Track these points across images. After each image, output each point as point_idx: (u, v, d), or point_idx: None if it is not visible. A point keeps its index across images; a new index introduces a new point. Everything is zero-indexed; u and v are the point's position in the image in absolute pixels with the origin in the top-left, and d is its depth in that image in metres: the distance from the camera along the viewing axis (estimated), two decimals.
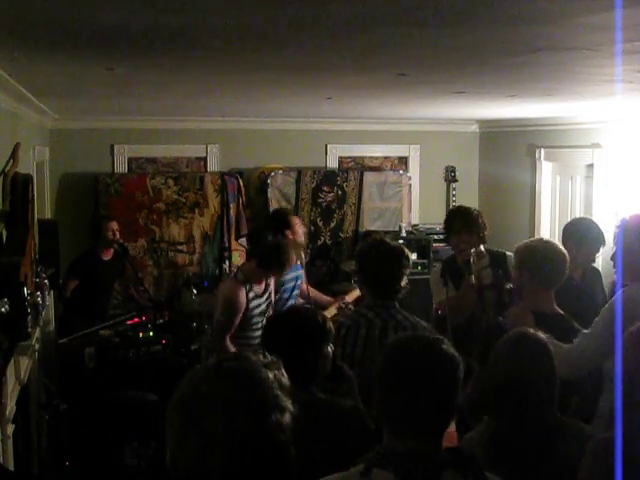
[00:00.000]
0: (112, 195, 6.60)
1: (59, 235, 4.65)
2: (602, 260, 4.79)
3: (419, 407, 1.79)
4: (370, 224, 7.29)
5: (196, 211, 6.83)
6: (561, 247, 3.33)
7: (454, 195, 7.60)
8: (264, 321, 4.08)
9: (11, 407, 3.16)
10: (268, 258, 4.24)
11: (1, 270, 2.90)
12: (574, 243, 4.00)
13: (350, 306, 4.79)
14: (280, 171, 7.12)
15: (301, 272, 5.04)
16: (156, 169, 7.04)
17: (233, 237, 6.91)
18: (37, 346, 3.94)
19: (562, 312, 3.25)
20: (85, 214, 6.47)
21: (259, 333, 4.02)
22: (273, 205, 6.97)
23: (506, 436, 2.35)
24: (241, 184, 6.94)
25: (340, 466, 1.83)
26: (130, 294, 6.30)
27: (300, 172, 7.13)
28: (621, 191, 5.60)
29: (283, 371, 1.49)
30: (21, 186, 3.53)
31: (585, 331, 3.10)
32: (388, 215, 7.36)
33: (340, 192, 7.22)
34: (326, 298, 5.14)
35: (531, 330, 2.50)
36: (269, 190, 7.01)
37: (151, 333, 5.25)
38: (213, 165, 7.18)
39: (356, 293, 4.97)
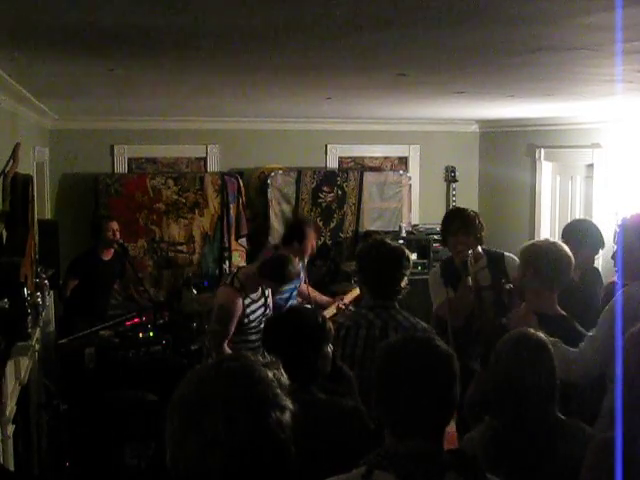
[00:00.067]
0: (112, 195, 6.60)
1: (59, 235, 4.65)
2: (602, 260, 4.79)
3: (420, 405, 1.80)
4: (370, 224, 7.28)
5: (196, 211, 6.83)
6: (567, 249, 3.28)
7: (454, 195, 7.60)
8: (261, 324, 4.06)
9: (11, 407, 3.16)
10: (271, 271, 4.21)
11: (1, 270, 2.90)
12: (574, 244, 3.98)
13: (350, 307, 4.78)
14: (280, 171, 7.11)
15: (302, 275, 5.03)
16: (156, 169, 7.04)
17: (233, 237, 6.91)
18: (37, 346, 3.94)
19: (564, 313, 3.24)
20: (85, 214, 6.47)
21: (257, 337, 4.02)
22: (273, 205, 6.97)
23: (506, 436, 2.35)
24: (241, 184, 6.94)
25: (340, 466, 1.83)
26: (130, 294, 6.30)
27: (300, 172, 7.12)
28: (621, 191, 5.60)
29: (282, 371, 1.49)
30: (21, 186, 3.53)
31: (590, 334, 3.08)
32: (388, 215, 7.35)
33: (340, 192, 7.22)
34: (326, 298, 5.14)
35: (531, 330, 2.50)
36: (269, 190, 7.01)
37: (151, 333, 5.24)
38: (213, 165, 7.18)
39: (354, 293, 4.96)
